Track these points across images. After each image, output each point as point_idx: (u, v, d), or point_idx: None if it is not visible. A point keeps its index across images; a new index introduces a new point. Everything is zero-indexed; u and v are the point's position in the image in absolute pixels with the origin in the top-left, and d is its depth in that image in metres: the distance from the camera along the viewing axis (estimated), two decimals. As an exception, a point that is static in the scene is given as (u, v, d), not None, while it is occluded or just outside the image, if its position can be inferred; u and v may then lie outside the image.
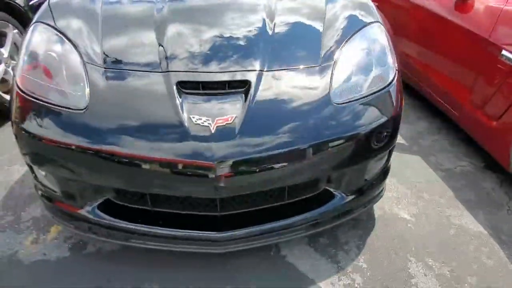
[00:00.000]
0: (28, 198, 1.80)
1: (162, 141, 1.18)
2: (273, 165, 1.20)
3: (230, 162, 1.15)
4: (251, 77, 1.28)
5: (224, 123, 1.17)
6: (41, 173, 1.38)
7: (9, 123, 2.44)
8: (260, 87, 1.26)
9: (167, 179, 1.22)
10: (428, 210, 1.77)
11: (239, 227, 1.32)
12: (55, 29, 1.44)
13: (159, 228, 1.33)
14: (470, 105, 1.94)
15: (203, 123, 1.17)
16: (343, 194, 1.41)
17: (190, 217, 1.34)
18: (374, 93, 1.33)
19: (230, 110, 1.20)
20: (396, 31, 2.63)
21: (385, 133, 1.34)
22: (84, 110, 1.22)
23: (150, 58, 1.35)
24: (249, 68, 1.31)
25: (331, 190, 1.41)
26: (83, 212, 1.35)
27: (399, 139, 2.24)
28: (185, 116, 1.18)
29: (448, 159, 2.14)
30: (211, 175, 1.14)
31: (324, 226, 1.43)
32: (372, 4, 1.67)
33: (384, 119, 1.32)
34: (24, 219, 1.68)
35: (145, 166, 1.18)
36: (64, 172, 1.29)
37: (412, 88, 2.74)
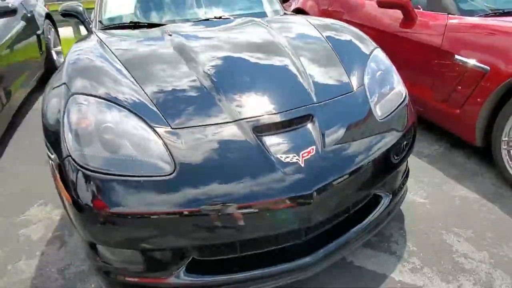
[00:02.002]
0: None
1: (259, 185, 1.22)
2: (353, 181, 1.37)
3: (325, 187, 1.26)
4: (311, 111, 1.44)
5: (309, 155, 1.29)
6: (112, 251, 1.30)
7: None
8: (321, 118, 1.42)
9: (268, 220, 1.26)
10: (433, 190, 2.14)
11: (318, 248, 1.40)
12: (97, 97, 1.38)
13: (253, 271, 1.33)
14: (433, 101, 2.42)
15: (291, 159, 1.27)
16: (387, 194, 1.66)
17: (271, 251, 1.38)
18: (399, 106, 1.63)
19: (308, 143, 1.33)
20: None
21: (411, 138, 1.65)
22: (173, 174, 1.20)
23: (211, 109, 1.39)
24: (305, 104, 1.47)
25: (379, 193, 1.63)
26: (171, 280, 1.29)
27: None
28: (274, 157, 1.27)
29: (424, 147, 2.59)
30: (311, 204, 1.23)
31: (381, 225, 1.63)
32: (360, 30, 2.01)
33: (410, 125, 1.63)
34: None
35: (247, 213, 1.21)
36: (150, 243, 1.25)
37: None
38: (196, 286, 1.31)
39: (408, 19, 2.50)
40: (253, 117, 1.37)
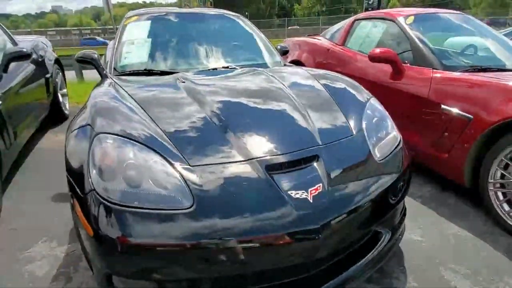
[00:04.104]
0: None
1: (272, 219, 1.31)
2: (356, 217, 1.48)
3: (332, 222, 1.37)
4: (316, 151, 1.57)
5: (316, 192, 1.40)
6: (127, 282, 1.35)
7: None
8: (326, 159, 1.55)
9: (280, 253, 1.32)
10: (428, 229, 2.27)
11: (325, 282, 1.46)
12: (120, 136, 1.47)
13: None
14: (423, 145, 2.63)
15: (301, 196, 1.37)
16: (387, 231, 1.75)
17: (279, 285, 1.42)
18: (395, 149, 1.79)
19: (315, 180, 1.45)
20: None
21: (407, 179, 1.80)
22: (191, 207, 1.29)
23: (225, 149, 1.50)
24: (311, 146, 1.60)
25: (380, 230, 1.72)
26: None
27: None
28: (285, 194, 1.36)
29: (416, 188, 2.76)
30: (319, 237, 1.31)
31: (383, 261, 1.70)
32: (358, 83, 2.23)
33: (405, 166, 1.78)
34: None
35: (261, 246, 1.29)
36: (166, 274, 1.31)
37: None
38: None
39: (397, 72, 2.79)
40: (265, 156, 1.48)
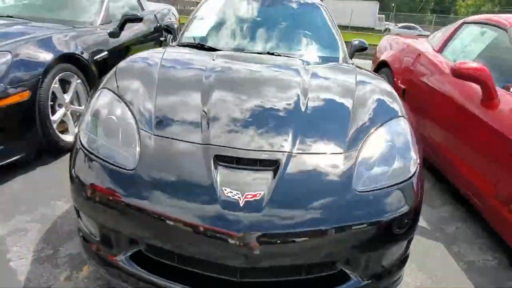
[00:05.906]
0: (67, 235, 1.92)
1: (195, 207, 1.28)
2: (292, 242, 1.26)
3: (253, 234, 1.21)
4: (281, 157, 1.39)
5: (252, 199, 1.26)
6: (85, 218, 1.50)
7: (61, 160, 2.66)
8: (288, 168, 1.35)
9: (194, 241, 1.28)
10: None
11: None
12: (117, 95, 1.65)
13: (182, 286, 1.35)
14: (494, 199, 1.96)
15: (233, 196, 1.26)
16: (359, 278, 1.40)
17: (212, 279, 1.36)
18: (396, 184, 1.40)
19: (259, 187, 1.30)
20: (421, 113, 2.75)
21: (405, 223, 1.38)
22: (133, 170, 1.36)
23: (193, 129, 1.52)
24: (280, 149, 1.43)
25: (347, 271, 1.40)
26: (116, 259, 1.42)
27: (422, 223, 2.24)
28: (218, 187, 1.28)
29: (471, 251, 2.11)
30: (234, 245, 1.21)
31: None
32: (397, 97, 1.81)
33: (404, 209, 1.37)
34: (62, 254, 1.80)
35: (176, 227, 1.27)
36: (105, 221, 1.40)
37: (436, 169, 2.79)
38: (130, 273, 1.41)
39: (486, 97, 2.09)
40: (220, 146, 1.42)
